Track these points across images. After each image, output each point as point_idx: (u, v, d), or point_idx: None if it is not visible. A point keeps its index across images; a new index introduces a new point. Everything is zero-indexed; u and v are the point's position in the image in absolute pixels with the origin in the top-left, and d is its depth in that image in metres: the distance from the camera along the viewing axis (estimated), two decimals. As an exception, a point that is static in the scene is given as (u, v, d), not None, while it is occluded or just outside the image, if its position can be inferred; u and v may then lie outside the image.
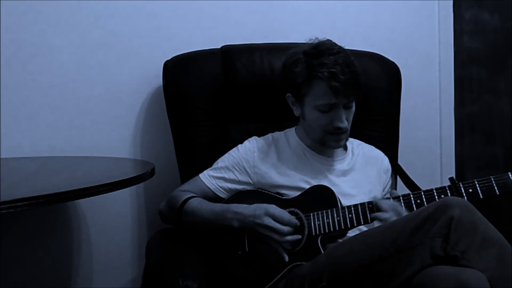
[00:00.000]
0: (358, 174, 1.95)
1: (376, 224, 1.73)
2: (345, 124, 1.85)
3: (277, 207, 1.77)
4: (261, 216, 1.75)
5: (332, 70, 1.79)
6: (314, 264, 1.66)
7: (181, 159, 2.12)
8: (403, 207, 1.76)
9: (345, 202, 1.81)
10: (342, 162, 1.96)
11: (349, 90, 1.81)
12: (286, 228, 1.74)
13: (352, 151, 2.00)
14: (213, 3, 2.30)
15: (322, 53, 1.83)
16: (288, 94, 1.93)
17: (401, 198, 1.78)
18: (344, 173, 1.94)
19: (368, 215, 1.76)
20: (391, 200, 1.79)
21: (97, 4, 2.19)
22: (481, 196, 1.70)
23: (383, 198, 1.89)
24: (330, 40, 1.88)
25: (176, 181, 2.09)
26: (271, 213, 1.75)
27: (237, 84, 2.13)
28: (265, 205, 1.78)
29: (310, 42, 1.90)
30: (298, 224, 1.76)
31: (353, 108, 1.88)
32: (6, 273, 2.11)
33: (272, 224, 1.74)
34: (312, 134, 1.92)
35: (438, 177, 2.59)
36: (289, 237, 1.74)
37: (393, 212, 1.73)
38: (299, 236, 1.76)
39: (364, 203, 1.78)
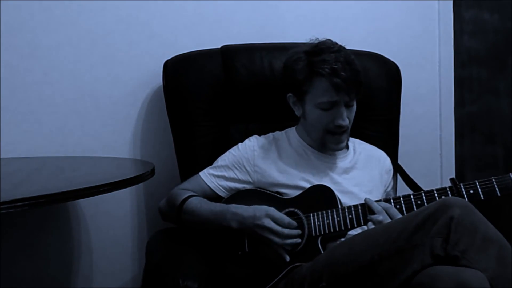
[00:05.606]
0: (360, 172, 1.95)
1: (370, 226, 1.73)
2: (346, 122, 1.85)
3: (276, 210, 1.77)
4: (261, 218, 1.75)
5: (334, 66, 1.79)
6: (314, 264, 1.66)
7: (181, 159, 2.12)
8: (404, 207, 1.76)
9: (347, 200, 1.82)
10: (344, 159, 1.96)
11: (351, 87, 1.81)
12: (286, 231, 1.74)
13: (353, 149, 2.00)
14: (213, 3, 2.30)
15: (322, 51, 1.83)
16: (289, 94, 1.93)
17: (401, 198, 1.78)
18: (346, 170, 1.94)
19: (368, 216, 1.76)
20: (382, 202, 1.78)
21: (97, 4, 2.19)
22: (482, 198, 1.71)
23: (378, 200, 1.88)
24: (330, 40, 1.88)
25: (176, 181, 2.08)
26: (271, 215, 1.75)
27: (237, 84, 2.13)
28: (265, 207, 1.77)
29: (310, 42, 1.90)
30: (298, 228, 1.76)
31: (354, 107, 1.88)
32: (6, 273, 2.11)
33: (272, 226, 1.74)
34: (313, 134, 1.92)
35: (438, 177, 2.60)
36: (288, 240, 1.74)
37: (385, 214, 1.73)
38: (299, 240, 1.75)
39: (364, 203, 1.78)
